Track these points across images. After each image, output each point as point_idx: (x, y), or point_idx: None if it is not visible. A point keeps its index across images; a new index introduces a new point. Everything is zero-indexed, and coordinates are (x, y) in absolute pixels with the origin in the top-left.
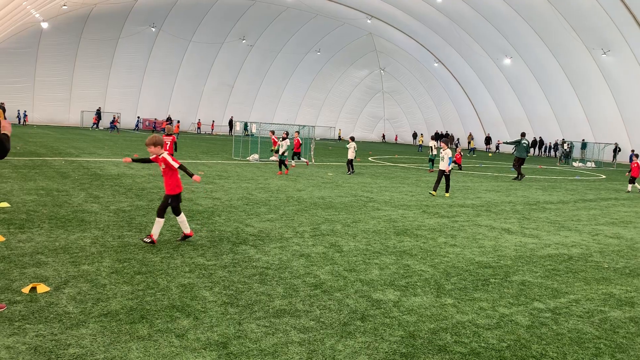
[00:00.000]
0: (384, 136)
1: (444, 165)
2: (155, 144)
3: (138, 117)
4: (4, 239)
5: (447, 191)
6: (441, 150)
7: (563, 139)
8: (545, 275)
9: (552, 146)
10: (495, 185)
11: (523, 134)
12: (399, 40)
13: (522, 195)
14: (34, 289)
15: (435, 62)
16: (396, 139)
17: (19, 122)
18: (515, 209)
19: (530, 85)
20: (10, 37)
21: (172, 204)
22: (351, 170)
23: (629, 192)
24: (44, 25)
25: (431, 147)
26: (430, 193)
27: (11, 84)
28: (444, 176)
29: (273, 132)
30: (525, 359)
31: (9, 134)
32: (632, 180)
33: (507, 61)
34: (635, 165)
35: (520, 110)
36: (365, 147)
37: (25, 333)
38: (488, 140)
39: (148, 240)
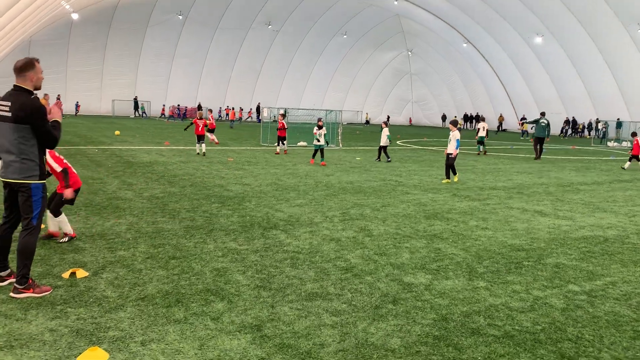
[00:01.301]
0: (410, 120)
1: (450, 148)
2: None
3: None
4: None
5: (454, 173)
6: (450, 132)
7: (597, 119)
8: (580, 258)
9: (586, 126)
10: (527, 167)
11: (542, 114)
12: (427, 21)
13: (555, 176)
14: (73, 274)
15: (464, 42)
16: (410, 122)
17: (75, 114)
18: (548, 191)
19: (562, 63)
20: (43, 29)
21: (64, 201)
22: (383, 157)
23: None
24: (75, 16)
25: (479, 128)
26: (444, 181)
27: (45, 74)
28: (448, 159)
29: (283, 116)
30: (561, 342)
31: (59, 121)
32: (632, 158)
33: (538, 40)
34: (636, 143)
35: (551, 89)
36: (393, 131)
37: (67, 316)
38: (573, 123)
39: (67, 239)
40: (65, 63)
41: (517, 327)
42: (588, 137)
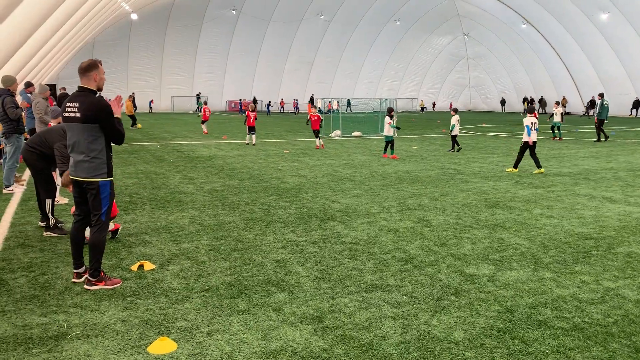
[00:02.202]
0: (450, 105)
1: (526, 136)
2: (66, 185)
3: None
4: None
5: (538, 166)
6: (524, 119)
7: None
8: None
9: None
10: (593, 152)
11: (601, 95)
12: (483, 2)
13: (625, 160)
14: (141, 266)
15: (523, 23)
16: (451, 107)
17: (149, 111)
18: (617, 176)
19: (630, 40)
20: (105, 30)
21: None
22: (455, 147)
23: None
24: (134, 16)
25: (554, 113)
26: (508, 170)
27: (108, 74)
28: (528, 148)
29: (312, 104)
30: (635, 335)
31: (119, 117)
32: None
33: (603, 16)
34: None
35: (619, 68)
36: (449, 117)
37: (136, 307)
38: (593, 103)
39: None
40: (127, 62)
41: (587, 320)
42: None
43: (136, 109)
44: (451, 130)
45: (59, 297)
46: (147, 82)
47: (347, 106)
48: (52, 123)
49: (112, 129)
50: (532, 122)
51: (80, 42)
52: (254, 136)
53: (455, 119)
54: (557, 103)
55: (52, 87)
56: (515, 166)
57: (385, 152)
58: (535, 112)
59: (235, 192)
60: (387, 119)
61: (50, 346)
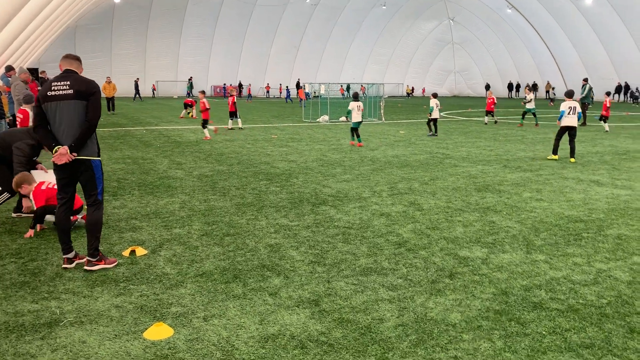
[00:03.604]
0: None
1: (574, 120)
2: (19, 185)
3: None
4: None
5: (572, 155)
6: (566, 105)
7: None
8: None
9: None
10: (579, 136)
11: (585, 79)
12: None
13: (610, 144)
14: (133, 252)
15: (508, 7)
16: (423, 92)
17: (153, 96)
18: (604, 160)
19: (614, 25)
20: (87, 14)
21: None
22: (433, 131)
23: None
24: (117, 0)
25: (531, 99)
26: (549, 158)
27: (92, 59)
28: (569, 135)
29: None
30: (629, 316)
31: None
32: (601, 119)
33: (587, 1)
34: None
35: (602, 53)
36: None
37: (130, 293)
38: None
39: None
40: (110, 47)
41: (581, 301)
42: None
43: (139, 94)
44: (430, 113)
45: (50, 283)
46: (130, 67)
47: (347, 90)
48: (26, 109)
49: (96, 108)
50: (569, 107)
51: (61, 25)
52: (239, 120)
53: (433, 102)
54: (530, 88)
55: (34, 71)
56: (555, 152)
57: (352, 140)
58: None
59: (224, 177)
60: (354, 104)
61: (44, 333)
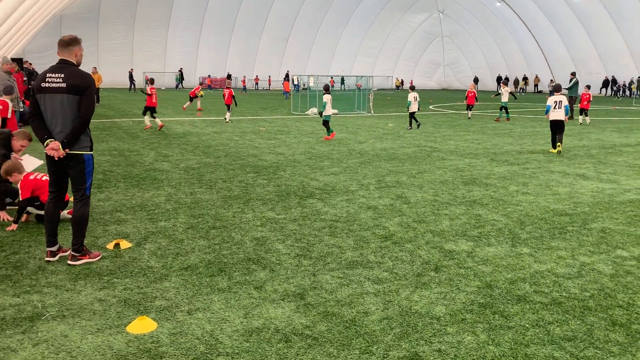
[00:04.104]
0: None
1: (560, 114)
2: (9, 173)
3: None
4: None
5: (559, 143)
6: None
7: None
8: (627, 222)
9: (627, 85)
10: (566, 130)
11: (573, 73)
12: None
13: (596, 138)
14: (117, 245)
15: (498, 1)
16: (411, 84)
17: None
18: (590, 154)
19: (602, 20)
20: (73, 3)
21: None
22: (412, 125)
23: (581, 124)
24: None
25: (501, 92)
26: (552, 151)
27: None
28: (557, 128)
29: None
30: (612, 309)
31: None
32: (582, 112)
33: None
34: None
35: (590, 48)
36: (425, 95)
37: (114, 287)
38: (517, 83)
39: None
40: (96, 36)
41: (564, 294)
42: (629, 97)
43: (134, 85)
44: (408, 107)
45: (32, 277)
46: (117, 57)
47: (341, 83)
48: (5, 99)
49: (90, 103)
50: (554, 101)
51: (47, 14)
52: (227, 113)
53: (411, 96)
54: (505, 82)
55: (19, 61)
56: (553, 146)
57: (328, 135)
58: (560, 91)
59: (211, 169)
60: (328, 96)
61: (25, 327)
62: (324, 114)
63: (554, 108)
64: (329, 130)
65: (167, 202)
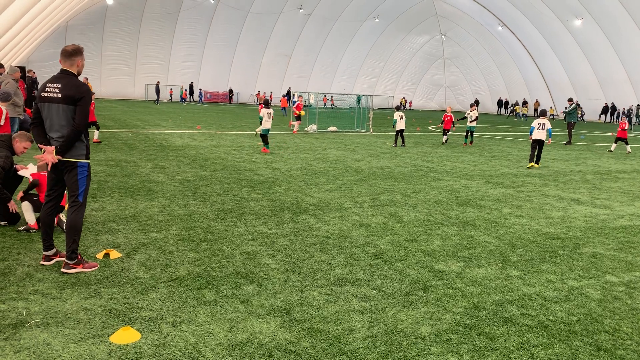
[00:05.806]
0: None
1: (542, 135)
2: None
3: (200, 90)
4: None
5: (537, 161)
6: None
7: (639, 105)
8: (618, 248)
9: (625, 112)
10: (563, 154)
11: (570, 99)
12: (461, 3)
13: (593, 164)
14: (107, 254)
15: (500, 25)
16: (410, 105)
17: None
18: (585, 179)
19: (602, 47)
20: (79, 15)
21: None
22: (398, 142)
23: (611, 151)
24: (109, 1)
25: (468, 116)
26: (532, 165)
27: None
28: (537, 146)
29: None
30: (597, 334)
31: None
32: (617, 140)
33: (577, 22)
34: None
35: (590, 74)
36: (425, 116)
37: (100, 296)
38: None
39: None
40: (100, 48)
41: (551, 317)
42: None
43: (159, 96)
44: (394, 126)
45: (20, 283)
46: (120, 69)
47: (357, 102)
48: (1, 106)
49: (84, 114)
50: (538, 123)
51: (52, 25)
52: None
53: (397, 115)
54: (473, 105)
55: (22, 70)
56: (533, 160)
57: (266, 147)
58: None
59: (207, 182)
60: (267, 110)
61: (8, 334)
62: (261, 128)
63: (538, 129)
64: (266, 144)
65: (160, 214)
